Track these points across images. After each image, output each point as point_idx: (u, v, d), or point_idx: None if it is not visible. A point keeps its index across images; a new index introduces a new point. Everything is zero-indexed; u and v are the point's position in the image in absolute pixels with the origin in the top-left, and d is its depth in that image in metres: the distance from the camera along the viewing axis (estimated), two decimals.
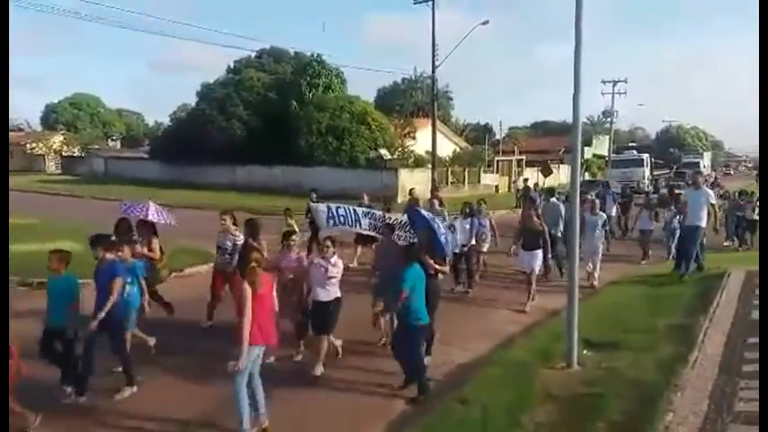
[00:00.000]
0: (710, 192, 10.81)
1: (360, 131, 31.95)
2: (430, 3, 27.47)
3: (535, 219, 9.73)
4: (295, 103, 33.03)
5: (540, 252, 9.60)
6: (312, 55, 35.71)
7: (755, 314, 7.79)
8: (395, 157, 32.45)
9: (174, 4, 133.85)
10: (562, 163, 44.81)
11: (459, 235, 10.12)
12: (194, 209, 23.04)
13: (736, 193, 18.05)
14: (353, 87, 38.61)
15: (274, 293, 5.54)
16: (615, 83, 47.17)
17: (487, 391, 5.75)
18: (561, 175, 42.92)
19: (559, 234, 11.65)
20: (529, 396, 5.63)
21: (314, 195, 15.91)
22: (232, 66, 39.35)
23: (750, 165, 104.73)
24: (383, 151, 31.34)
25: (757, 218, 15.53)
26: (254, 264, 5.08)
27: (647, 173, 40.31)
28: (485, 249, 11.51)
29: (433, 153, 29.58)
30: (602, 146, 52.03)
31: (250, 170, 33.27)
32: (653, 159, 46.84)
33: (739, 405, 4.97)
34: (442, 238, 7.22)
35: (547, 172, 32.35)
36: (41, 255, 9.44)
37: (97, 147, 54.49)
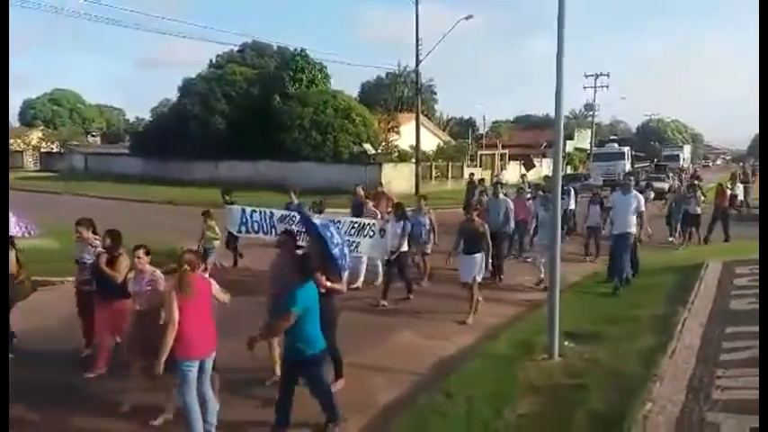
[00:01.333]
0: (641, 197, 9.85)
1: (344, 126, 31.87)
2: None
3: (476, 219, 8.55)
4: (278, 98, 32.84)
5: (480, 256, 8.36)
6: (295, 49, 35.52)
7: (733, 304, 7.95)
8: (379, 151, 32.43)
9: None
10: (545, 157, 45.16)
11: (389, 239, 9.29)
12: (174, 205, 22.89)
13: (684, 187, 17.84)
14: (337, 82, 38.48)
15: (217, 298, 5.07)
16: (597, 76, 47.69)
17: (471, 384, 5.80)
18: (544, 169, 43.28)
19: (509, 232, 11.23)
20: (511, 388, 5.69)
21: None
22: (214, 60, 39.00)
23: (728, 157, 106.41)
24: (367, 146, 31.31)
25: (699, 212, 15.34)
26: (186, 267, 4.66)
27: (628, 166, 40.73)
28: (428, 251, 10.74)
29: (417, 147, 29.64)
30: (583, 139, 52.57)
31: (233, 165, 33.02)
32: (634, 152, 47.35)
33: (716, 393, 5.07)
34: (336, 250, 5.70)
35: (529, 166, 32.55)
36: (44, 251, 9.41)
37: (77, 143, 53.68)
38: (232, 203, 11.14)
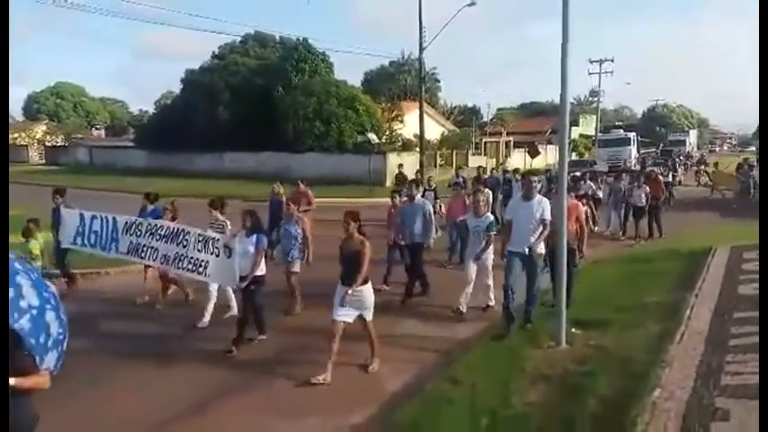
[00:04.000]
0: (546, 203, 7.06)
1: (347, 116, 31.78)
2: None
3: (354, 234, 6.06)
4: (281, 89, 32.75)
5: (367, 288, 6.06)
6: (298, 39, 35.37)
7: (741, 289, 7.91)
8: (383, 140, 32.35)
9: None
10: (550, 144, 44.95)
11: (237, 260, 6.75)
12: (180, 197, 22.88)
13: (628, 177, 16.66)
14: (340, 71, 38.33)
15: None
16: (602, 62, 47.30)
17: (477, 371, 5.80)
18: (549, 156, 43.11)
19: (429, 244, 8.92)
20: (519, 376, 5.68)
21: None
22: (217, 52, 38.89)
23: (735, 142, 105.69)
24: (371, 135, 31.21)
25: (643, 204, 14.01)
26: None
27: (634, 152, 40.55)
28: (296, 269, 8.23)
29: (420, 136, 29.52)
30: (588, 125, 52.28)
31: (237, 157, 33.04)
32: (639, 138, 47.09)
33: (726, 379, 5.05)
34: (23, 322, 2.98)
35: (534, 153, 32.40)
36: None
37: (81, 136, 53.83)
38: (68, 207, 8.58)
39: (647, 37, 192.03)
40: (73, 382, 5.07)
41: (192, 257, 6.98)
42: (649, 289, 8.66)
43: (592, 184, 16.03)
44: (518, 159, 41.44)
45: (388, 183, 22.25)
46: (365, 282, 6.02)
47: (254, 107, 32.54)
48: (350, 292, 5.86)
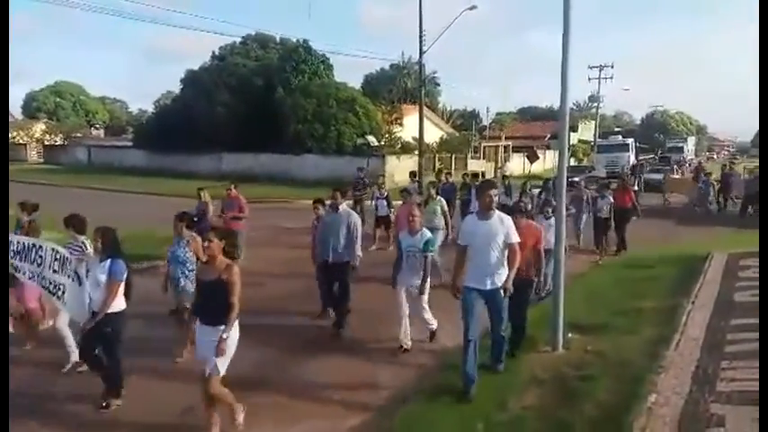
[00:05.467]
0: (509, 221, 5.49)
1: (347, 118, 31.79)
2: None
3: (219, 258, 4.67)
4: (281, 90, 32.77)
5: (232, 337, 4.66)
6: (298, 41, 35.41)
7: (737, 296, 7.94)
8: (382, 143, 32.38)
9: None
10: (549, 148, 45.03)
11: (87, 291, 5.34)
12: (180, 197, 22.91)
13: (576, 184, 15.27)
14: (341, 74, 38.36)
15: None
16: (602, 68, 47.43)
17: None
18: (548, 161, 43.20)
19: (355, 264, 7.44)
20: (516, 380, 5.70)
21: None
22: (217, 52, 38.91)
23: (733, 150, 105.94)
24: (370, 138, 31.24)
25: (606, 216, 12.62)
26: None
27: (633, 158, 40.63)
28: (187, 303, 6.04)
29: (420, 139, 29.56)
30: (587, 131, 52.33)
31: (236, 158, 33.01)
32: (638, 144, 47.18)
33: (721, 385, 5.07)
34: None
35: (533, 158, 32.48)
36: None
37: (80, 135, 53.73)
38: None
39: (647, 43, 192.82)
40: None
41: (48, 278, 5.69)
42: (647, 294, 8.69)
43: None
44: (517, 164, 41.53)
45: (388, 185, 22.24)
46: (222, 322, 4.58)
47: (254, 108, 32.53)
48: (224, 336, 4.51)
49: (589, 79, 48.27)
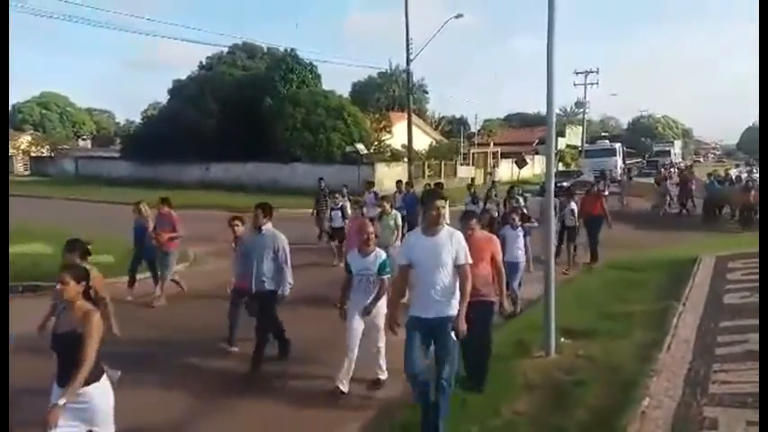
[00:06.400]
0: (460, 238, 4.76)
1: (336, 126, 31.81)
2: None
3: (78, 303, 3.78)
4: (269, 99, 32.75)
5: (97, 390, 3.74)
6: (286, 50, 35.44)
7: (727, 298, 7.98)
8: (371, 151, 32.42)
9: (148, 0, 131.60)
10: (537, 154, 45.28)
11: None
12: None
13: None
14: (328, 82, 38.40)
15: None
16: (587, 74, 47.90)
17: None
18: (536, 167, 43.42)
19: (284, 293, 6.40)
20: (509, 386, 5.67)
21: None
22: (204, 62, 38.86)
23: (719, 152, 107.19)
24: (359, 146, 31.29)
25: (573, 224, 12.04)
26: None
27: (620, 162, 40.98)
28: None
29: (409, 147, 29.64)
30: (574, 136, 52.73)
31: (225, 167, 32.92)
32: (625, 148, 47.61)
33: (713, 387, 5.08)
34: None
35: (521, 163, 32.63)
36: (14, 258, 9.34)
37: (67, 146, 53.33)
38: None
39: (633, 49, 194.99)
40: None
41: None
42: (638, 297, 8.72)
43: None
44: (506, 170, 41.70)
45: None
46: (95, 378, 3.69)
47: (242, 117, 32.48)
48: (60, 403, 3.49)
49: (575, 85, 48.85)
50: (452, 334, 4.54)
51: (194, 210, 20.64)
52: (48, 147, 51.68)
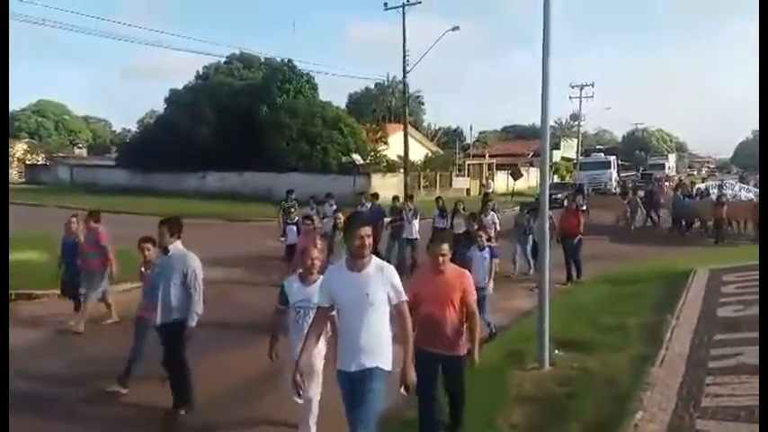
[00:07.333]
0: (392, 271, 3.88)
1: (332, 136, 31.94)
2: (401, 9, 27.72)
3: None
4: (266, 109, 32.85)
5: None
6: (282, 60, 35.62)
7: (720, 311, 8.01)
8: (367, 161, 32.51)
9: (144, 10, 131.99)
10: (532, 166, 45.48)
11: None
12: (162, 217, 22.68)
13: (523, 207, 13.91)
14: (325, 93, 38.55)
15: None
16: (582, 87, 48.27)
17: None
18: (531, 179, 43.58)
19: (190, 324, 5.40)
20: (503, 398, 5.67)
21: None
22: (201, 72, 38.97)
23: (712, 166, 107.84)
24: (356, 156, 31.41)
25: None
26: None
27: (615, 175, 41.19)
28: None
29: (405, 157, 29.75)
30: (569, 149, 53.07)
31: (221, 176, 32.97)
32: (620, 161, 47.90)
33: (706, 401, 5.09)
34: None
35: (517, 175, 32.77)
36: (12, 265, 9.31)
37: (63, 154, 53.24)
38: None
39: (628, 62, 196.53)
40: None
41: None
42: (632, 310, 8.73)
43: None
44: (501, 181, 41.86)
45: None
46: None
47: (238, 127, 32.58)
48: None
49: (570, 98, 49.21)
50: (402, 389, 3.89)
51: (191, 218, 20.59)
52: (43, 155, 51.60)
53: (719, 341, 6.67)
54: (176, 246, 5.53)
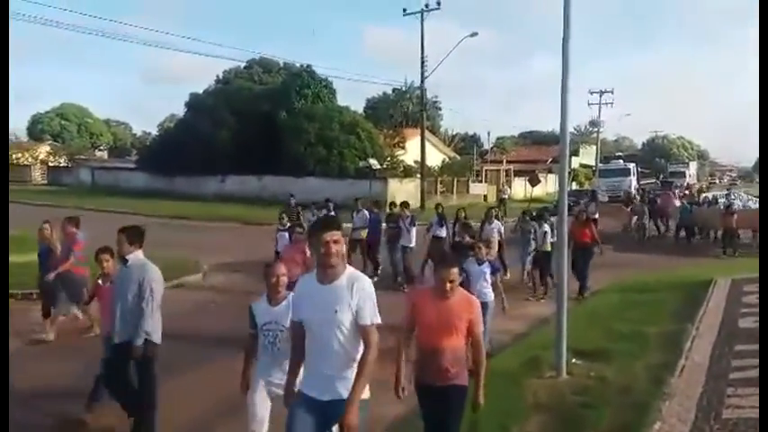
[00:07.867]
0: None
1: (349, 141, 32.05)
2: (419, 15, 27.83)
3: None
4: (285, 113, 33.09)
5: None
6: (302, 66, 35.87)
7: (741, 322, 7.88)
8: (384, 166, 32.57)
9: (166, 14, 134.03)
10: (550, 172, 45.20)
11: None
12: (181, 219, 22.98)
13: (525, 213, 12.89)
14: (343, 98, 38.75)
15: None
16: (602, 93, 47.90)
17: None
18: (549, 185, 43.31)
19: (137, 344, 4.79)
20: (519, 406, 5.63)
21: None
22: (221, 76, 39.39)
23: (734, 175, 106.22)
24: (372, 161, 31.48)
25: (548, 249, 11.05)
26: None
27: (634, 182, 40.75)
28: None
29: (422, 163, 29.75)
30: (588, 155, 52.64)
31: (239, 180, 33.24)
32: (639, 169, 47.37)
33: (726, 412, 5.01)
34: None
35: (535, 181, 32.57)
36: (21, 266, 9.45)
37: (84, 157, 54.09)
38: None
39: (648, 69, 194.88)
40: None
41: None
42: (650, 319, 8.63)
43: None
44: (519, 187, 41.65)
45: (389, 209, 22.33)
46: None
47: (257, 131, 32.83)
48: None
49: (589, 104, 48.83)
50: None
51: (210, 222, 20.79)
52: (65, 157, 52.47)
53: (741, 352, 6.56)
54: (136, 255, 4.96)
